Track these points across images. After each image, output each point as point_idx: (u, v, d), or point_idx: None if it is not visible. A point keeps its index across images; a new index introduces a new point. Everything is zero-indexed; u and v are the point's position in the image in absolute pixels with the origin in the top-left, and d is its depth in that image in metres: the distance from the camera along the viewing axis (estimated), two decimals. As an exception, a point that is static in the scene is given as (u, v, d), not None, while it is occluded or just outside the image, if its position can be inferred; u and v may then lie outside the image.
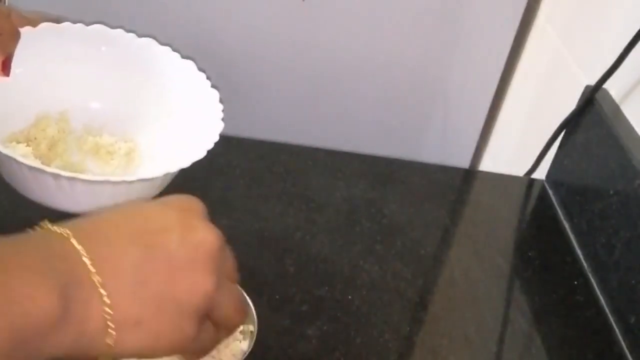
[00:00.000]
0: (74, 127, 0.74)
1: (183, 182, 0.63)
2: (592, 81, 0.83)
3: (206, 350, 0.45)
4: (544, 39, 1.01)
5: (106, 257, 0.39)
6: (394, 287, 0.72)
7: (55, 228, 0.39)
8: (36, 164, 0.59)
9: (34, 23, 0.68)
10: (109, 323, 0.38)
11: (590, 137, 0.83)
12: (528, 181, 0.94)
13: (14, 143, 0.69)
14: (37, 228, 0.39)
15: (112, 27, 0.74)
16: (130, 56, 0.74)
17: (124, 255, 0.40)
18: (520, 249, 0.83)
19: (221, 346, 0.58)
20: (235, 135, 0.78)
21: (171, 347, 0.42)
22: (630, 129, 0.78)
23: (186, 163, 0.63)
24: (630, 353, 0.69)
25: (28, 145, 0.69)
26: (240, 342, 0.58)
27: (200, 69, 0.74)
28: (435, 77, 1.07)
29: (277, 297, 0.68)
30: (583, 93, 0.85)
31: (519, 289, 0.78)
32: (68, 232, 0.38)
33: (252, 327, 0.59)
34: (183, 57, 0.74)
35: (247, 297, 0.59)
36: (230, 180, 0.81)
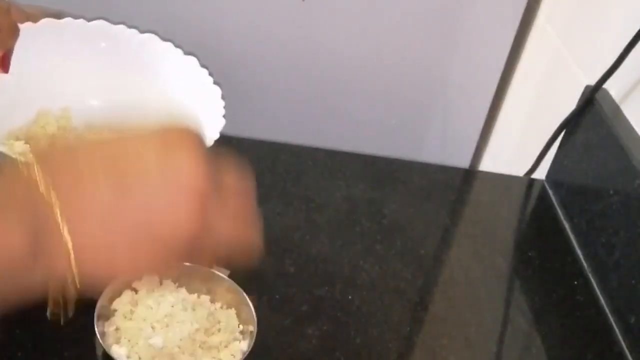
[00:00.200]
0: (74, 124, 0.73)
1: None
2: (592, 81, 0.83)
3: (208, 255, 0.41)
4: (544, 39, 1.01)
5: (73, 197, 0.37)
6: (394, 287, 0.72)
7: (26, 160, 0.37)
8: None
9: (34, 18, 0.67)
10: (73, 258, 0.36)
11: (590, 137, 0.83)
12: (528, 181, 0.94)
13: (11, 140, 0.69)
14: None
15: (114, 23, 0.73)
16: (132, 52, 0.74)
17: (92, 197, 0.37)
18: (520, 249, 0.83)
19: (221, 346, 0.58)
20: (235, 135, 0.78)
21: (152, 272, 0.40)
22: (630, 129, 0.78)
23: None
24: (630, 353, 0.69)
25: (27, 143, 0.69)
26: (240, 342, 0.58)
27: (203, 66, 0.74)
28: (435, 77, 1.07)
29: (277, 297, 0.68)
30: (583, 93, 0.85)
31: (519, 289, 0.77)
32: (37, 167, 0.37)
33: (252, 327, 0.58)
34: (185, 53, 0.74)
35: (247, 297, 0.59)
36: (230, 180, 0.81)
